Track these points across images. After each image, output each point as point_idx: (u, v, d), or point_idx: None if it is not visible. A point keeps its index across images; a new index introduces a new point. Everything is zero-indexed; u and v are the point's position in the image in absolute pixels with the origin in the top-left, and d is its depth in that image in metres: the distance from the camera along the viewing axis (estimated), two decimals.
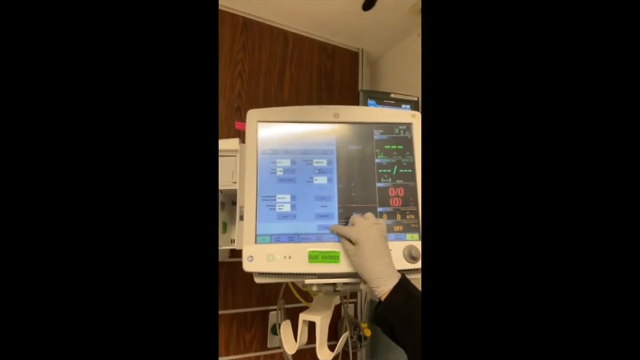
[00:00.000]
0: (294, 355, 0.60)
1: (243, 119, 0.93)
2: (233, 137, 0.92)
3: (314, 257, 0.49)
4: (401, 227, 0.55)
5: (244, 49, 0.94)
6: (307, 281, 0.50)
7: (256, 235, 0.49)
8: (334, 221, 0.52)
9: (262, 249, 0.49)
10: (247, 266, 0.47)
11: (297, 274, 0.49)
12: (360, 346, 0.90)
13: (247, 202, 0.50)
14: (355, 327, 0.90)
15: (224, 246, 0.60)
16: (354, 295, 0.95)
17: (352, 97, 1.05)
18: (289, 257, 0.49)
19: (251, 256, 0.48)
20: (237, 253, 0.83)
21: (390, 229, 0.54)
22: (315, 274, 0.49)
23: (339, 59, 1.06)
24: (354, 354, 0.91)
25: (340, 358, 0.89)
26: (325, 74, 1.04)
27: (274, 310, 0.86)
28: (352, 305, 0.95)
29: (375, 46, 1.08)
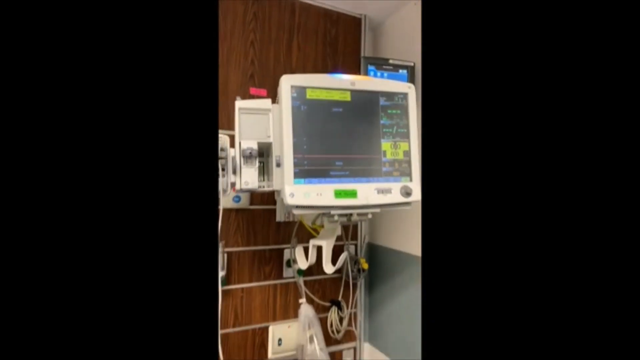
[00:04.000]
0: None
1: (256, 85, 1.03)
2: None
3: (338, 193, 0.64)
4: (398, 173, 0.71)
5: (255, 19, 1.02)
6: (333, 212, 0.65)
7: (293, 177, 0.64)
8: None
9: (299, 188, 0.63)
10: (290, 200, 0.62)
11: (326, 207, 0.64)
12: (360, 277, 1.09)
13: (286, 151, 0.64)
14: (356, 262, 1.09)
15: (258, 187, 0.73)
16: (354, 237, 1.13)
17: (354, 63, 1.14)
18: (320, 194, 0.64)
19: (292, 193, 0.62)
20: (256, 201, 0.98)
21: (390, 174, 0.70)
22: (339, 206, 0.65)
23: (343, 25, 1.15)
24: (354, 284, 1.11)
25: (343, 285, 1.09)
26: (330, 41, 1.13)
27: (288, 248, 1.03)
28: (353, 246, 1.13)
29: (377, 12, 1.15)
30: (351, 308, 1.10)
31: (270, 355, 0.98)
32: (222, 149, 0.62)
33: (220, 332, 0.92)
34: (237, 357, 0.93)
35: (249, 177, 0.63)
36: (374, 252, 1.14)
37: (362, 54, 1.16)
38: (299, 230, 1.02)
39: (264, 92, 1.03)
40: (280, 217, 1.02)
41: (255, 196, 0.99)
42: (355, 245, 1.14)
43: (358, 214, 0.68)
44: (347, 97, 0.69)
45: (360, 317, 1.13)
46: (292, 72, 1.08)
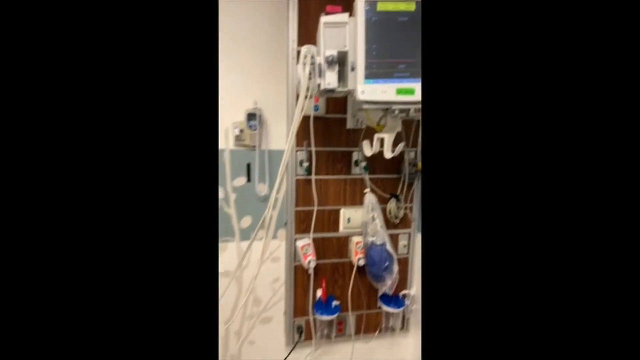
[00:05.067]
0: None
1: (333, 3, 1.15)
2: None
3: (399, 91, 0.81)
4: None
5: None
6: (394, 107, 0.82)
7: (364, 78, 0.81)
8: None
9: (368, 87, 0.81)
10: (361, 96, 0.81)
11: (389, 102, 0.82)
12: (417, 177, 1.28)
13: (359, 57, 0.80)
14: (414, 165, 1.27)
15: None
16: (415, 144, 1.30)
17: None
18: (385, 92, 0.81)
19: (363, 91, 0.81)
20: (330, 110, 1.18)
21: None
22: (399, 102, 0.82)
23: None
24: (410, 183, 1.31)
25: (401, 184, 1.30)
26: None
27: (356, 150, 1.24)
28: (413, 152, 1.30)
29: None
30: (408, 202, 1.32)
31: (341, 229, 1.28)
32: (312, 56, 0.81)
33: (306, 208, 1.23)
34: (319, 227, 1.25)
35: (331, 79, 0.82)
36: None
37: None
38: (365, 136, 1.22)
39: (339, 8, 1.15)
40: (349, 124, 1.23)
41: (329, 105, 1.19)
42: (415, 152, 1.31)
43: (415, 110, 0.84)
44: (412, 7, 0.80)
45: (415, 210, 1.35)
46: None
